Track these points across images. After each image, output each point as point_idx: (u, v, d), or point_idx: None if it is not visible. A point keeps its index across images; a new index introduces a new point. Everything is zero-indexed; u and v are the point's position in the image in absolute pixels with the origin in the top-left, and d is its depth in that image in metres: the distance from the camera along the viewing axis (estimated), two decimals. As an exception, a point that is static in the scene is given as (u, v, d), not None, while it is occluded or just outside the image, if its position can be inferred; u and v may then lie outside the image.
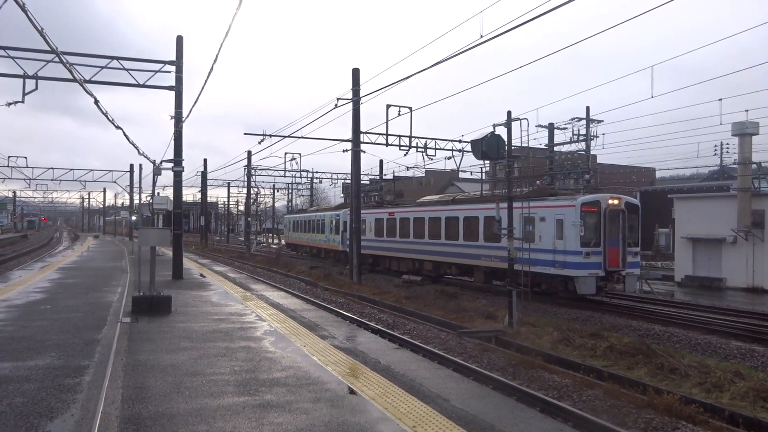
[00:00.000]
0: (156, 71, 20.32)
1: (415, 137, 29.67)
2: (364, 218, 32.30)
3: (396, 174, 53.65)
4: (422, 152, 30.32)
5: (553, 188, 29.27)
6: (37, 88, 19.14)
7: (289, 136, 31.67)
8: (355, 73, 26.10)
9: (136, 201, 56.47)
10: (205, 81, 18.40)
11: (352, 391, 6.96)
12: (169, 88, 20.71)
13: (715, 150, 56.18)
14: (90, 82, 18.86)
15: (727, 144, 55.12)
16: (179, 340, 9.90)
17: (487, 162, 34.77)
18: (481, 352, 13.00)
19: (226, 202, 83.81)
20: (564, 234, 20.01)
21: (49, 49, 13.79)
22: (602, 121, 37.29)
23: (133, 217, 50.90)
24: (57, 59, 16.09)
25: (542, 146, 38.19)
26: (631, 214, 20.93)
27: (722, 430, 8.49)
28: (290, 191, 73.18)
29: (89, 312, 12.75)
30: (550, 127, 37.49)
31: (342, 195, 72.86)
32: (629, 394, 9.80)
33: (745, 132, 30.47)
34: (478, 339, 14.46)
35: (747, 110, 28.85)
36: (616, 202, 20.61)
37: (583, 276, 19.64)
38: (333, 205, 49.61)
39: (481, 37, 12.42)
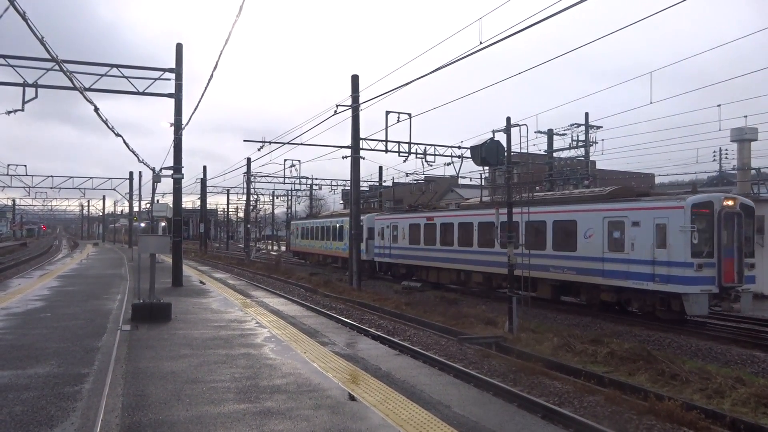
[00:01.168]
0: (156, 79, 20.37)
1: (415, 143, 29.78)
2: (396, 223, 31.05)
3: (395, 180, 53.77)
4: (421, 158, 30.41)
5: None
6: (36, 96, 19.18)
7: (288, 143, 31.80)
8: (355, 79, 26.16)
9: (136, 208, 56.50)
10: (205, 88, 18.45)
11: (352, 398, 6.95)
12: (169, 95, 20.75)
13: (714, 156, 56.27)
14: (90, 90, 18.90)
15: (726, 150, 55.22)
16: (179, 347, 9.88)
17: (486, 168, 34.83)
18: (481, 358, 12.97)
19: (226, 209, 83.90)
20: (668, 241, 16.85)
21: (49, 57, 13.85)
22: (601, 127, 37.51)
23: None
24: (57, 67, 16.17)
25: (542, 152, 38.30)
26: (747, 217, 17.70)
27: (724, 436, 8.46)
28: (290, 198, 73.32)
29: (89, 320, 12.73)
30: (550, 133, 37.62)
31: (341, 201, 72.99)
32: (630, 400, 9.78)
33: (743, 138, 30.60)
34: (479, 345, 14.43)
35: (746, 116, 28.94)
36: (731, 203, 17.37)
37: (695, 293, 16.42)
38: (347, 210, 46.94)
39: (481, 43, 12.47)
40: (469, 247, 24.82)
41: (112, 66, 19.82)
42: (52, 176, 53.01)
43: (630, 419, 8.92)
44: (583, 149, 37.58)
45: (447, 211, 28.47)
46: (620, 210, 18.22)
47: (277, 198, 77.73)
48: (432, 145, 30.86)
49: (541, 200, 22.63)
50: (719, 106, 24.69)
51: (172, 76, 20.56)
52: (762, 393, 10.07)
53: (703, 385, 10.81)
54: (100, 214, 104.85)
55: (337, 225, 41.28)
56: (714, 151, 56.68)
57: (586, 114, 36.91)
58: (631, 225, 17.80)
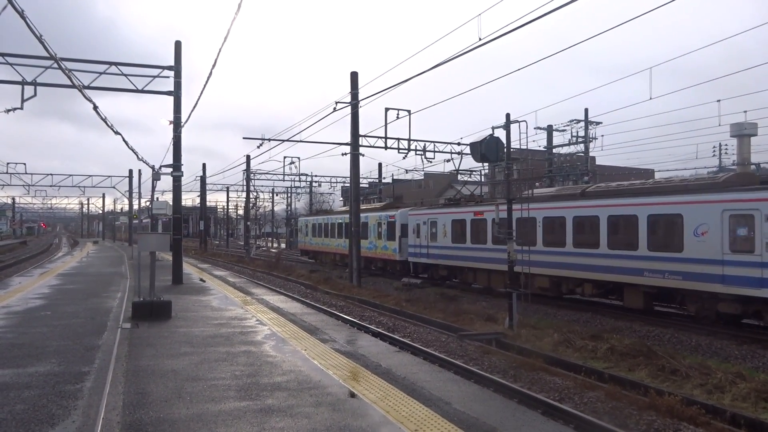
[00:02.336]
0: (155, 76, 20.34)
1: (414, 140, 29.79)
2: (435, 219, 27.74)
3: (395, 177, 53.78)
4: (421, 155, 30.41)
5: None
6: (35, 94, 19.17)
7: (287, 140, 31.79)
8: (354, 76, 26.14)
9: (136, 206, 56.50)
10: (204, 86, 18.44)
11: (353, 395, 6.95)
12: (168, 93, 20.73)
13: (714, 151, 56.20)
14: (89, 87, 18.89)
15: (726, 145, 55.16)
16: (180, 345, 9.88)
17: (486, 164, 34.80)
18: (481, 354, 12.99)
19: (226, 207, 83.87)
20: None
21: (48, 55, 13.84)
22: (601, 122, 37.47)
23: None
24: (56, 65, 16.14)
25: (541, 148, 38.29)
26: None
27: (724, 431, 8.48)
28: (289, 195, 73.31)
29: (89, 318, 12.74)
30: (549, 129, 37.60)
31: (341, 198, 72.99)
32: (631, 396, 9.79)
33: (743, 133, 30.59)
34: (479, 342, 14.45)
35: (746, 111, 28.93)
36: None
37: None
38: (376, 205, 39.28)
39: (480, 39, 12.46)
40: (533, 246, 20.66)
41: (111, 64, 19.80)
42: (51, 174, 53.12)
43: (630, 415, 8.93)
44: (582, 145, 37.58)
45: (502, 205, 24.86)
46: (748, 201, 14.90)
47: (277, 195, 77.85)
48: (431, 141, 30.93)
49: (628, 190, 19.44)
50: (719, 101, 24.75)
51: (171, 73, 20.53)
52: (762, 388, 10.08)
53: (703, 380, 10.83)
54: (100, 212, 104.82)
55: (361, 221, 37.30)
56: (714, 147, 56.62)
57: (586, 110, 36.89)
58: (766, 219, 14.61)
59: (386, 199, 48.96)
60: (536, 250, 20.69)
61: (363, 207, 40.82)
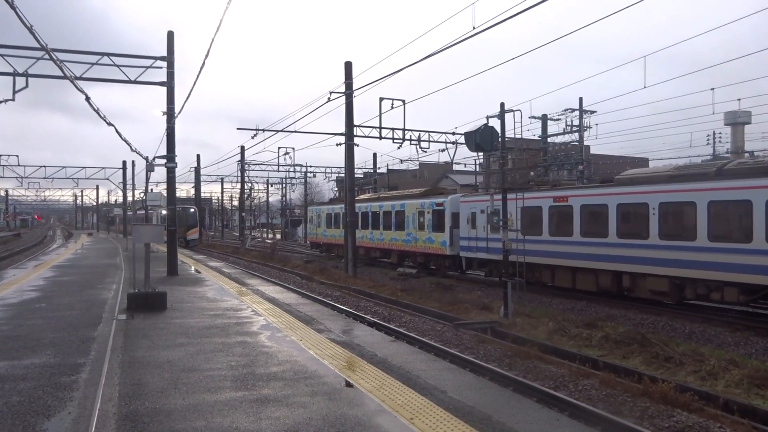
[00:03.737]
0: (147, 67, 20.21)
1: (409, 130, 29.67)
2: (498, 207, 21.42)
3: (390, 167, 53.75)
4: (416, 145, 30.34)
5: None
6: (27, 85, 19.03)
7: (282, 131, 31.66)
8: (348, 66, 26.03)
9: (130, 198, 56.31)
10: (197, 76, 18.35)
11: (349, 384, 6.98)
12: (161, 83, 20.61)
13: (708, 139, 56.34)
14: (81, 78, 18.74)
15: (720, 133, 55.32)
16: (175, 336, 9.89)
17: (480, 154, 34.79)
18: (477, 343, 13.05)
19: (220, 198, 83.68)
20: None
21: (39, 46, 13.70)
22: (595, 111, 37.50)
23: (164, 211, 50.54)
24: (47, 56, 16.00)
25: (536, 137, 38.30)
26: None
27: (717, 417, 8.55)
28: (284, 186, 73.18)
29: (84, 310, 12.72)
30: (544, 119, 37.61)
31: (336, 189, 72.88)
32: (625, 383, 9.86)
33: (737, 121, 30.63)
34: (474, 330, 14.51)
35: (739, 99, 28.99)
36: None
37: None
38: (414, 191, 33.59)
39: (474, 28, 12.41)
40: (642, 240, 17.50)
41: (103, 54, 19.65)
42: (44, 166, 52.80)
43: (624, 402, 9.00)
44: (577, 134, 37.61)
45: (596, 188, 20.68)
46: None
47: (272, 186, 77.68)
48: (426, 131, 30.82)
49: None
50: (713, 89, 24.78)
51: (164, 64, 20.39)
52: (755, 374, 10.17)
53: (696, 367, 10.91)
54: (94, 204, 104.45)
55: (391, 210, 31.75)
56: (708, 135, 56.75)
57: (580, 99, 36.91)
58: None
59: (381, 189, 48.79)
60: (647, 244, 17.45)
61: (398, 193, 35.92)
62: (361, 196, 40.94)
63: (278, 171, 55.96)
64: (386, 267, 32.12)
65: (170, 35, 20.65)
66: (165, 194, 22.70)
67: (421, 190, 32.42)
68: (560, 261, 20.81)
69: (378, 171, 54.45)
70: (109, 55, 19.68)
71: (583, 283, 20.04)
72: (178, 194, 22.58)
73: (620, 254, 18.27)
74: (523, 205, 20.71)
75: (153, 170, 24.44)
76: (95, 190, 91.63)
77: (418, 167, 60.68)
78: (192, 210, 52.55)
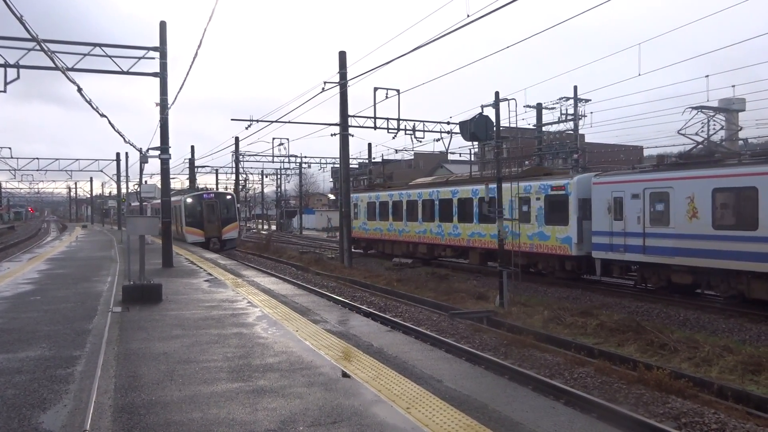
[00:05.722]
0: (140, 58, 20.04)
1: (404, 120, 29.66)
2: (649, 188, 17.69)
3: (385, 157, 53.63)
4: (411, 135, 30.29)
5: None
6: (18, 77, 18.84)
7: (276, 121, 31.54)
8: (342, 56, 25.92)
9: (124, 190, 56.09)
10: (190, 67, 18.24)
11: (345, 375, 6.98)
12: (154, 74, 20.46)
13: (702, 127, 56.43)
14: (73, 69, 18.57)
15: (714, 121, 55.44)
16: (171, 328, 9.87)
17: (475, 143, 34.72)
18: (472, 332, 13.09)
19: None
20: None
21: (29, 36, 13.58)
22: (590, 100, 37.39)
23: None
24: (38, 47, 15.86)
25: (531, 126, 38.24)
26: None
27: (711, 403, 8.61)
28: (279, 176, 73.04)
29: (79, 302, 12.68)
30: (539, 107, 37.52)
31: (331, 179, 72.75)
32: (620, 371, 9.92)
33: (731, 108, 30.60)
34: (470, 320, 14.55)
35: (734, 86, 29.00)
36: None
37: None
38: (519, 172, 25.70)
39: (468, 16, 12.35)
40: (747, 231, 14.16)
41: (95, 45, 19.46)
42: (38, 158, 52.52)
43: (620, 389, 9.05)
44: (572, 123, 37.57)
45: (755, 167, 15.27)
46: None
47: (267, 177, 77.48)
48: (421, 121, 30.77)
49: None
50: (707, 76, 24.75)
51: (157, 54, 20.24)
52: (749, 360, 10.25)
53: (691, 354, 10.98)
54: (88, 196, 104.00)
55: (474, 197, 24.89)
56: (702, 122, 56.82)
57: (575, 87, 36.79)
58: None
59: (376, 179, 48.70)
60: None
61: (460, 178, 29.99)
62: (419, 180, 34.10)
63: (273, 162, 55.99)
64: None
65: (163, 25, 20.49)
66: (159, 186, 22.61)
67: (519, 170, 26.04)
68: (713, 262, 15.82)
69: (373, 161, 54.36)
70: (101, 45, 19.50)
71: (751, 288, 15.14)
72: (172, 186, 22.50)
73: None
74: (715, 186, 15.69)
75: (147, 161, 24.39)
76: (89, 182, 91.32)
77: (413, 157, 60.62)
78: (229, 197, 38.11)
